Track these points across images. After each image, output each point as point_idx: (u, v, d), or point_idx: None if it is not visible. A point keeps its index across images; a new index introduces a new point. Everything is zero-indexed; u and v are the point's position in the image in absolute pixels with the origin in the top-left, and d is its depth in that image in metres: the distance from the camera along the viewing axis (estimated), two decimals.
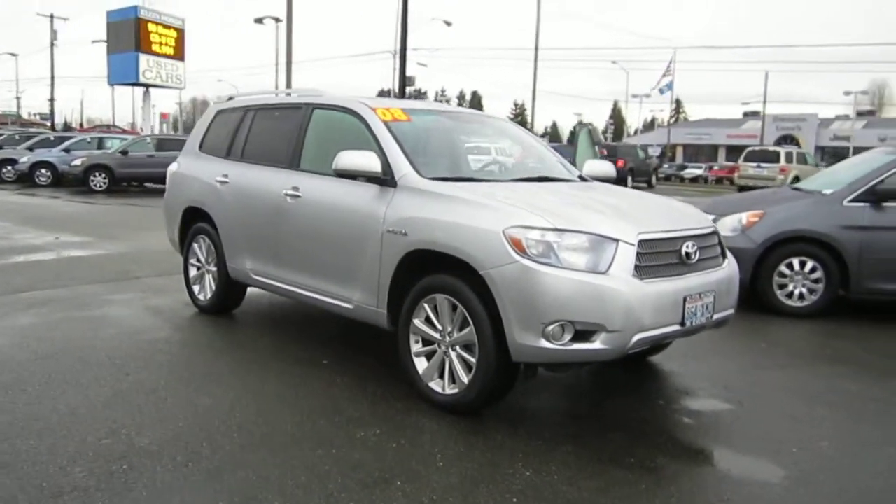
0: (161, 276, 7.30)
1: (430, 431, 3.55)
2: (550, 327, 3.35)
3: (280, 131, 5.18)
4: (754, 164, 25.30)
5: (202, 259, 5.79)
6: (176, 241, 6.11)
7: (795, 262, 6.34)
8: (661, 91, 55.85)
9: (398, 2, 29.84)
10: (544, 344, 3.37)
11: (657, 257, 3.59)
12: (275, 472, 3.03)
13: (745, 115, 70.58)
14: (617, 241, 3.47)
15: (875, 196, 6.18)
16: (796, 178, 24.73)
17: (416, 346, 3.96)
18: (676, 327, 3.61)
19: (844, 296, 6.34)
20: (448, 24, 40.94)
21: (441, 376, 3.83)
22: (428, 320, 3.89)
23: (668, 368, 4.70)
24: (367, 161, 4.12)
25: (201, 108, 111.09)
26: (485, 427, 3.62)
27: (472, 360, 3.64)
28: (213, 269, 5.65)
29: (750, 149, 28.39)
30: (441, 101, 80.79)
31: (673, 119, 79.51)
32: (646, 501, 2.90)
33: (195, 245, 5.85)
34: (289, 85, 23.44)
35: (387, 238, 4.01)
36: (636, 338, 3.42)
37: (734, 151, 53.57)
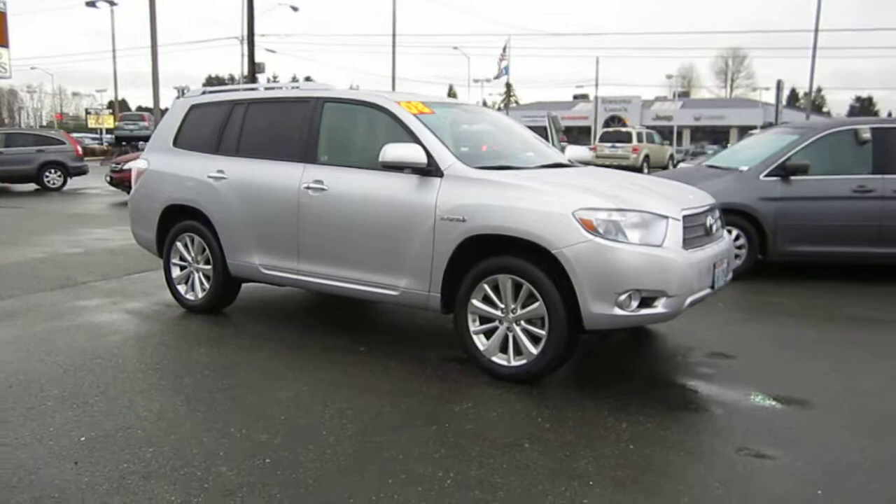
0: (109, 280, 6.93)
1: (514, 401, 3.87)
2: (622, 296, 3.79)
3: (285, 125, 5.18)
4: (609, 145, 27.36)
5: (189, 258, 5.64)
6: (152, 241, 5.88)
7: None
8: (499, 76, 58.28)
9: None
10: (617, 312, 3.81)
11: (693, 230, 4.14)
12: (414, 450, 3.23)
13: (575, 97, 75.21)
14: (667, 217, 3.97)
15: (785, 171, 7.20)
16: (647, 157, 27.08)
17: (474, 325, 4.25)
18: (709, 290, 4.19)
19: (762, 259, 7.34)
20: (294, 9, 40.17)
21: (503, 350, 4.16)
22: (486, 299, 4.19)
23: (656, 330, 5.30)
24: (414, 153, 4.32)
25: (8, 99, 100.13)
26: (548, 392, 4.00)
27: (541, 332, 4.00)
28: (206, 267, 5.53)
29: (605, 130, 30.60)
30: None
31: (504, 103, 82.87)
32: (707, 427, 3.43)
33: (178, 244, 5.68)
34: (154, 73, 22.06)
35: (441, 225, 4.24)
36: (688, 300, 3.96)
37: (567, 133, 57.09)
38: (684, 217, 4.07)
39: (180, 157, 5.71)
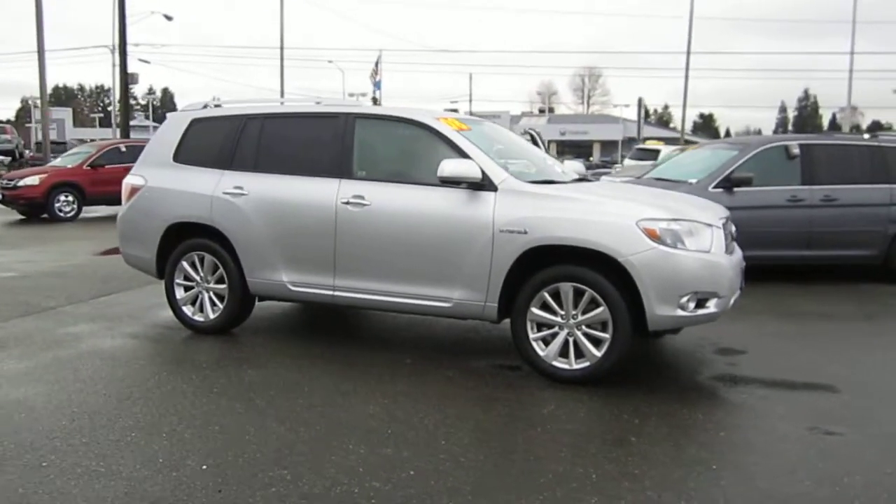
0: (77, 304, 6.47)
1: (588, 401, 4.11)
2: (684, 298, 4.15)
3: (312, 141, 5.15)
4: None
5: (198, 277, 5.42)
6: (150, 261, 5.59)
7: None
8: (374, 90, 58.66)
9: None
10: (679, 313, 4.16)
11: (726, 238, 4.59)
12: (539, 451, 3.40)
13: (446, 110, 76.95)
14: (711, 225, 4.39)
15: (729, 183, 7.95)
16: None
17: (533, 332, 4.45)
18: (739, 291, 4.65)
19: None
20: (169, 18, 38.39)
21: (564, 354, 4.39)
22: (545, 306, 4.41)
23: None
24: (469, 169, 4.48)
25: None
26: (605, 392, 4.26)
27: (603, 335, 4.28)
28: (220, 286, 5.35)
29: None
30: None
31: None
32: (768, 412, 3.86)
33: (184, 263, 5.45)
34: (42, 84, 20.29)
35: (500, 237, 4.42)
36: (732, 300, 4.39)
37: None
38: (723, 225, 4.51)
39: (185, 173, 5.48)
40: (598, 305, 4.27)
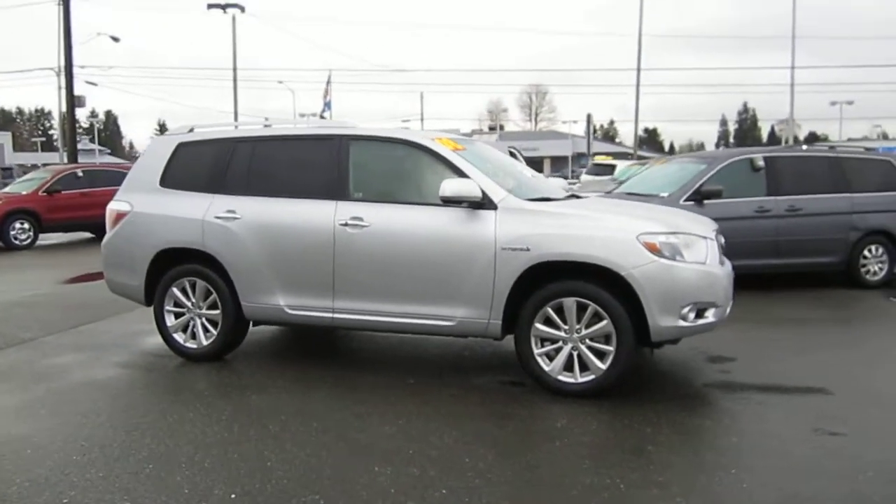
0: (58, 335, 6.27)
1: (597, 413, 4.18)
2: (685, 309, 4.28)
3: (305, 163, 5.15)
4: None
5: (189, 304, 5.33)
6: (138, 288, 5.46)
7: None
8: (324, 110, 58.50)
9: (59, 14, 27.02)
10: (680, 323, 4.29)
11: (718, 249, 4.75)
12: (564, 465, 3.47)
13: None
14: (706, 238, 4.54)
15: (699, 196, 8.21)
16: None
17: (537, 348, 4.52)
18: (731, 301, 4.81)
19: None
20: (115, 39, 37.61)
21: (568, 369, 4.47)
22: (548, 322, 4.49)
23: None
24: (470, 188, 4.54)
25: None
26: (609, 404, 4.36)
27: (606, 348, 4.37)
28: (212, 312, 5.27)
29: None
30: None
31: None
32: (769, 416, 4.01)
33: (174, 290, 5.36)
34: None
35: (503, 255, 4.49)
36: (727, 309, 4.54)
37: None
38: (716, 237, 4.67)
39: (173, 198, 5.40)
40: (601, 319, 4.37)
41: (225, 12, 31.45)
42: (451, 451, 3.61)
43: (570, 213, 4.58)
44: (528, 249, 4.45)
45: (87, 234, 15.56)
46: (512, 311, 4.55)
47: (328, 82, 56.04)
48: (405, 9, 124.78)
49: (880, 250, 8.59)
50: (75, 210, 13.90)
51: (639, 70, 29.07)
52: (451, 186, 4.53)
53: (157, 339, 5.97)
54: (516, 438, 3.82)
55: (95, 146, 48.36)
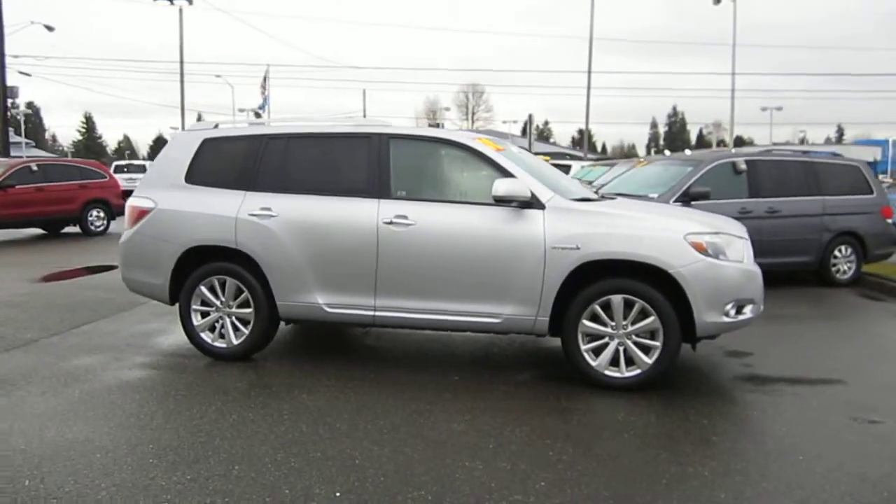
0: (63, 335, 6.01)
1: (647, 407, 4.34)
2: (728, 305, 4.50)
3: (343, 161, 5.13)
4: None
5: (218, 303, 5.23)
6: (162, 287, 5.32)
7: None
8: (261, 107, 57.36)
9: None
10: (724, 319, 4.50)
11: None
12: (637, 458, 3.59)
13: None
14: (742, 238, 4.77)
15: (688, 197, 8.53)
16: None
17: (584, 344, 4.65)
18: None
19: None
20: (50, 28, 35.91)
21: (614, 364, 4.62)
22: (595, 318, 4.63)
23: None
24: (520, 188, 4.64)
25: None
26: (653, 398, 4.55)
27: (653, 343, 4.54)
28: (243, 310, 5.19)
29: None
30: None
31: None
32: (806, 406, 4.27)
33: (202, 288, 5.24)
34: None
35: (552, 254, 4.60)
36: (762, 306, 4.78)
37: None
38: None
39: (200, 195, 5.28)
40: (647, 315, 4.54)
41: (172, 3, 30.41)
42: (530, 445, 3.69)
43: (616, 213, 4.74)
44: (577, 248, 4.57)
45: (39, 231, 14.89)
46: (558, 308, 4.68)
47: (265, 78, 55.25)
48: (339, 5, 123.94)
49: (849, 250, 9.14)
50: (31, 206, 13.27)
51: (589, 73, 29.74)
52: (503, 186, 4.61)
53: (171, 339, 5.88)
54: (586, 432, 3.93)
55: (22, 139, 45.88)
